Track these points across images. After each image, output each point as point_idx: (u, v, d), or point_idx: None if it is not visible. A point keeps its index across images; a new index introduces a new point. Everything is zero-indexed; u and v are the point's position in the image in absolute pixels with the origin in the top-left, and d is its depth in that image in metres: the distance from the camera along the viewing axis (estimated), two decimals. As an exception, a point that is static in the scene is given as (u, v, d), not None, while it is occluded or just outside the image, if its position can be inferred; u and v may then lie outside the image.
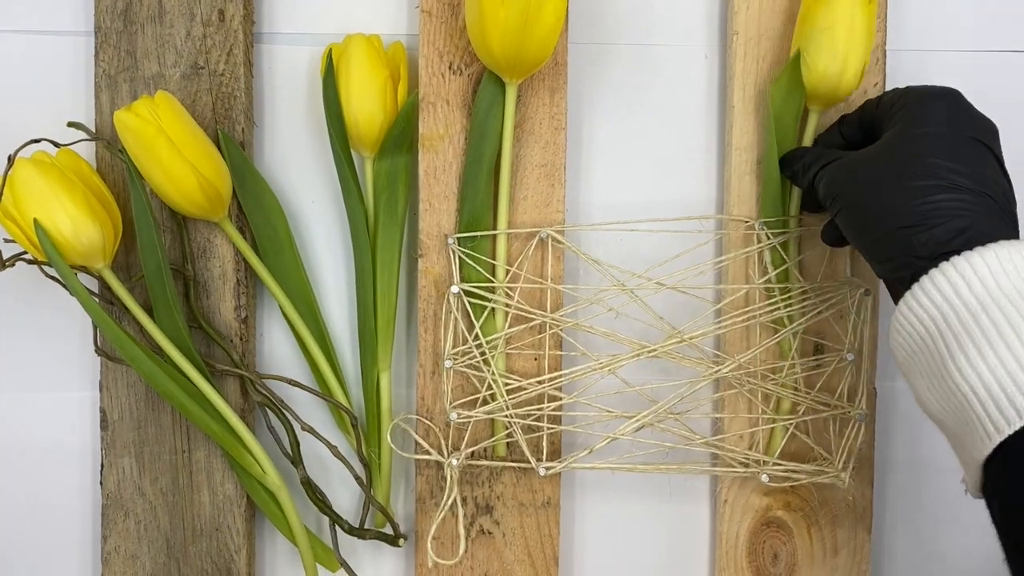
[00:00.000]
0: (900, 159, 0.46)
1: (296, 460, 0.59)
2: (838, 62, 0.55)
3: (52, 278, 0.55)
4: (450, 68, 0.59)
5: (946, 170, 0.44)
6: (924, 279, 0.43)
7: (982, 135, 0.46)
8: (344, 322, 0.63)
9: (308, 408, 0.61)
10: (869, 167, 0.47)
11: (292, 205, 0.62)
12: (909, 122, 0.47)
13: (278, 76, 0.62)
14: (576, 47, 0.61)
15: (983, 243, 0.42)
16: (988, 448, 0.39)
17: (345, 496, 0.62)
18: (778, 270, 0.59)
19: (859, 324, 0.58)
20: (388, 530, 0.61)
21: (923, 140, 0.46)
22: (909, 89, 0.50)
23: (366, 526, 0.60)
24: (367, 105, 0.57)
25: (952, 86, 0.49)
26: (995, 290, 0.41)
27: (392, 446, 0.60)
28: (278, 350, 0.62)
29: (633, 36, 0.62)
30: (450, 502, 0.58)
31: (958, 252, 0.42)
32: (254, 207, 0.59)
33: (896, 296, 0.47)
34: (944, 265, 0.42)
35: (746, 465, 0.60)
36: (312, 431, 0.58)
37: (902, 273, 0.45)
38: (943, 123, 0.46)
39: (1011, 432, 0.38)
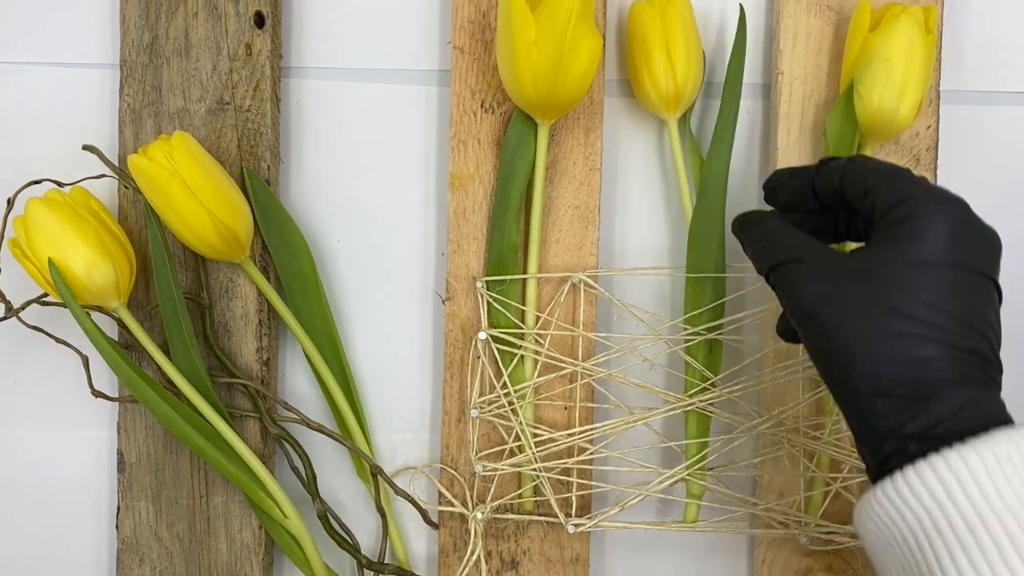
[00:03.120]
0: (894, 298, 0.37)
1: (313, 493, 0.57)
2: (894, 95, 0.52)
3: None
4: (482, 106, 0.57)
5: (949, 321, 0.37)
6: (910, 470, 0.36)
7: (988, 264, 0.39)
8: (369, 364, 0.61)
9: (328, 454, 0.60)
10: (854, 299, 0.38)
11: (318, 243, 0.60)
12: (907, 242, 0.38)
13: (305, 111, 0.60)
14: (613, 83, 0.59)
15: (977, 427, 0.36)
16: None
17: (361, 535, 0.60)
18: (822, 321, 0.56)
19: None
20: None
21: (925, 277, 0.38)
22: (908, 186, 0.40)
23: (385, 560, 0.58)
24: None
25: (960, 197, 0.40)
26: (994, 498, 0.34)
27: (417, 497, 0.58)
28: (300, 392, 0.60)
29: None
30: (474, 558, 0.56)
31: (950, 441, 0.36)
32: (280, 245, 0.58)
33: (866, 448, 0.39)
34: (935, 459, 0.35)
35: (786, 525, 0.57)
36: (323, 429, 0.57)
37: (881, 446, 0.38)
38: (948, 251, 0.38)
39: None
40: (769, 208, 0.48)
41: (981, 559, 0.34)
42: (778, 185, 0.46)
